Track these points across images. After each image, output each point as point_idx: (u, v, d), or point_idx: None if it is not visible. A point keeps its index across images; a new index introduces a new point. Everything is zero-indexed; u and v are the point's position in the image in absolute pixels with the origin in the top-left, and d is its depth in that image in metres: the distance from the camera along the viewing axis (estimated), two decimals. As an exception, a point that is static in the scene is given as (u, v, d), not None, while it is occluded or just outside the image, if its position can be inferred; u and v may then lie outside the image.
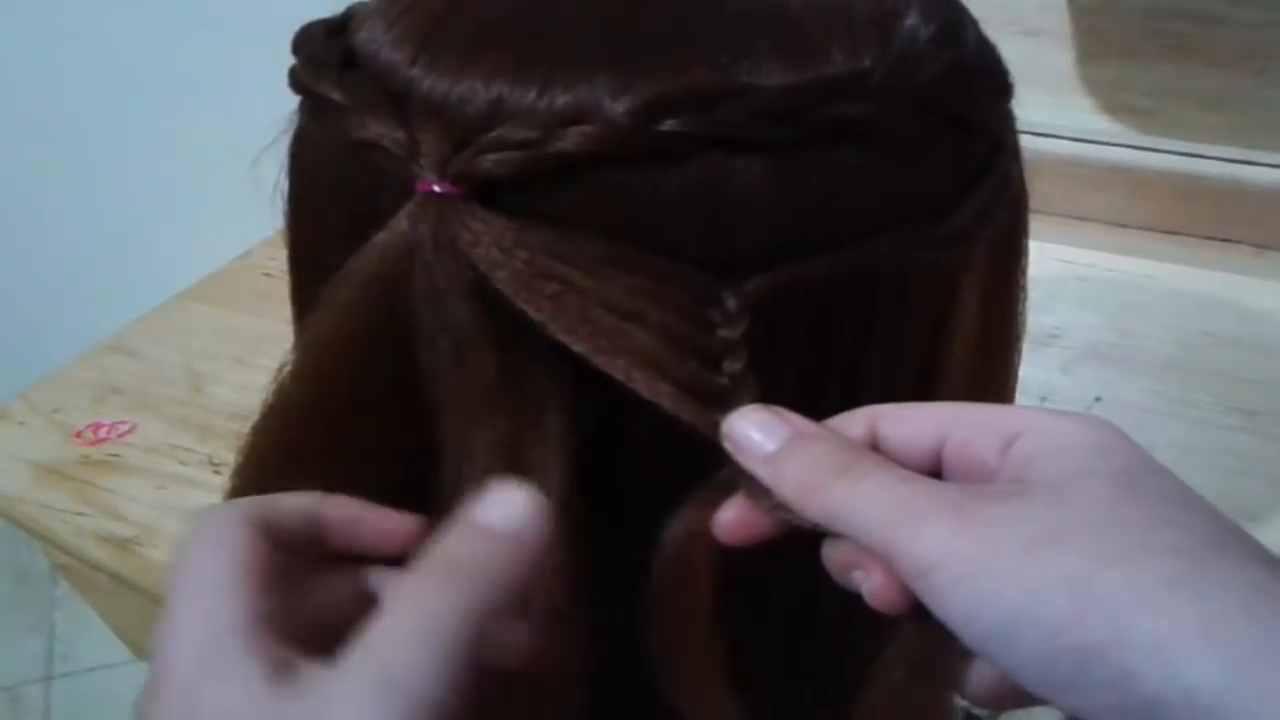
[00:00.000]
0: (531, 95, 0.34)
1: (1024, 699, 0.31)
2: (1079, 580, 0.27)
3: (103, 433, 0.91)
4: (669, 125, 0.33)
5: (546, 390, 0.35)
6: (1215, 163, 1.00)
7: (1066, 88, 1.04)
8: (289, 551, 0.32)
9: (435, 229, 0.34)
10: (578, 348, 0.33)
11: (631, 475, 0.37)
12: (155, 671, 0.30)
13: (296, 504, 0.34)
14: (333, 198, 0.38)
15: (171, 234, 1.51)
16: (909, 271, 0.37)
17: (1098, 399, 0.86)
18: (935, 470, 0.33)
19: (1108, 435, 0.31)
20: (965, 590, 0.28)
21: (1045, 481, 0.30)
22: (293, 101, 0.40)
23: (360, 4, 0.41)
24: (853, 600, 0.32)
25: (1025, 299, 0.46)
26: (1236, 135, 0.99)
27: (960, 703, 0.36)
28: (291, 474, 0.39)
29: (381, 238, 0.34)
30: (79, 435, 0.91)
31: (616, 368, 0.33)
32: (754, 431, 0.34)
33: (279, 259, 0.44)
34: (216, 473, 0.86)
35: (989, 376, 0.46)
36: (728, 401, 0.34)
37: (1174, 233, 1.05)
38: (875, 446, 0.34)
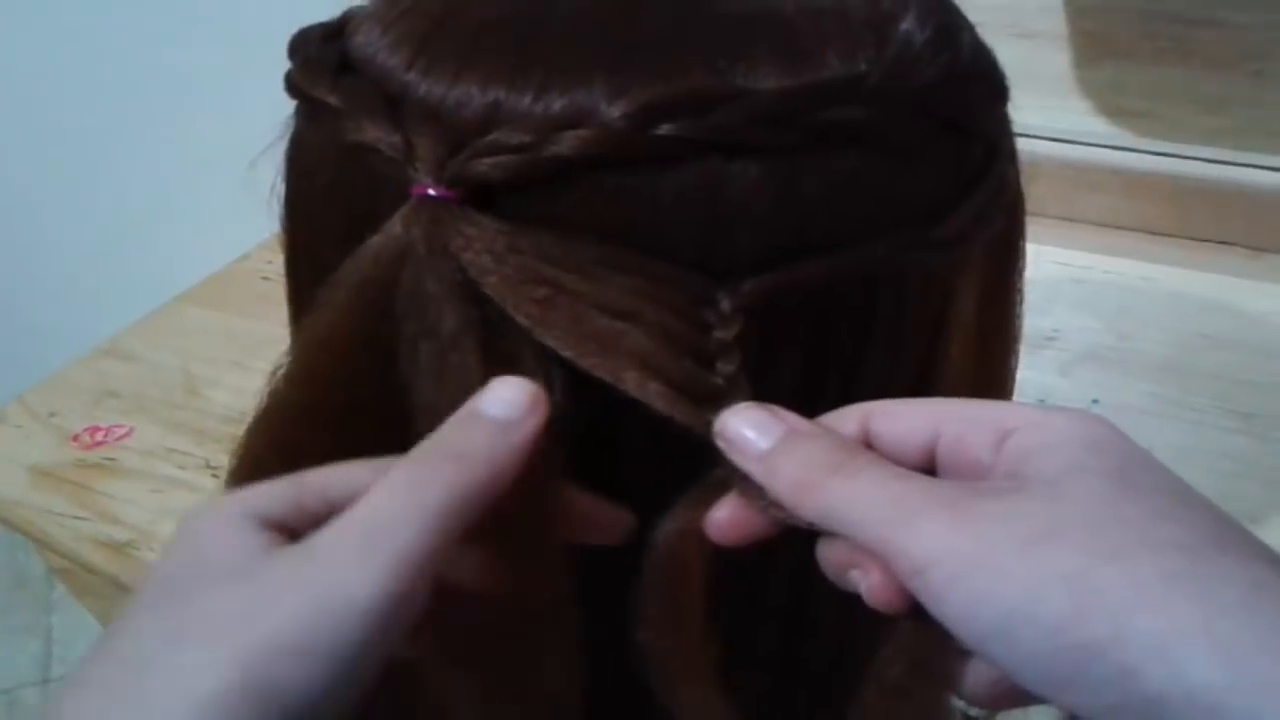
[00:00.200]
0: (527, 99, 0.34)
1: (1022, 698, 0.31)
2: (1077, 577, 0.27)
3: (99, 436, 0.91)
4: (665, 129, 0.33)
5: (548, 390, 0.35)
6: (1212, 165, 1.00)
7: (1063, 90, 1.04)
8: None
9: (429, 232, 0.34)
10: (567, 352, 0.34)
11: (624, 476, 0.37)
12: (177, 533, 0.32)
13: (283, 489, 0.34)
14: (329, 201, 0.38)
15: (168, 237, 1.51)
16: (906, 274, 0.37)
17: (1095, 401, 0.86)
18: (929, 467, 0.33)
19: (1103, 431, 0.31)
20: (962, 588, 0.28)
21: (1040, 477, 0.30)
22: (290, 105, 0.40)
23: (356, 8, 0.41)
24: (848, 599, 0.32)
25: (1022, 301, 0.46)
26: (1233, 138, 0.99)
27: (956, 703, 0.36)
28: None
29: (376, 241, 0.34)
30: (76, 439, 0.91)
31: (606, 369, 0.33)
32: (747, 429, 0.34)
33: (276, 262, 0.44)
34: (214, 476, 0.85)
35: (986, 379, 0.46)
36: (721, 402, 0.34)
37: (1171, 235, 1.05)
38: (868, 444, 0.34)
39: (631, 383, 0.34)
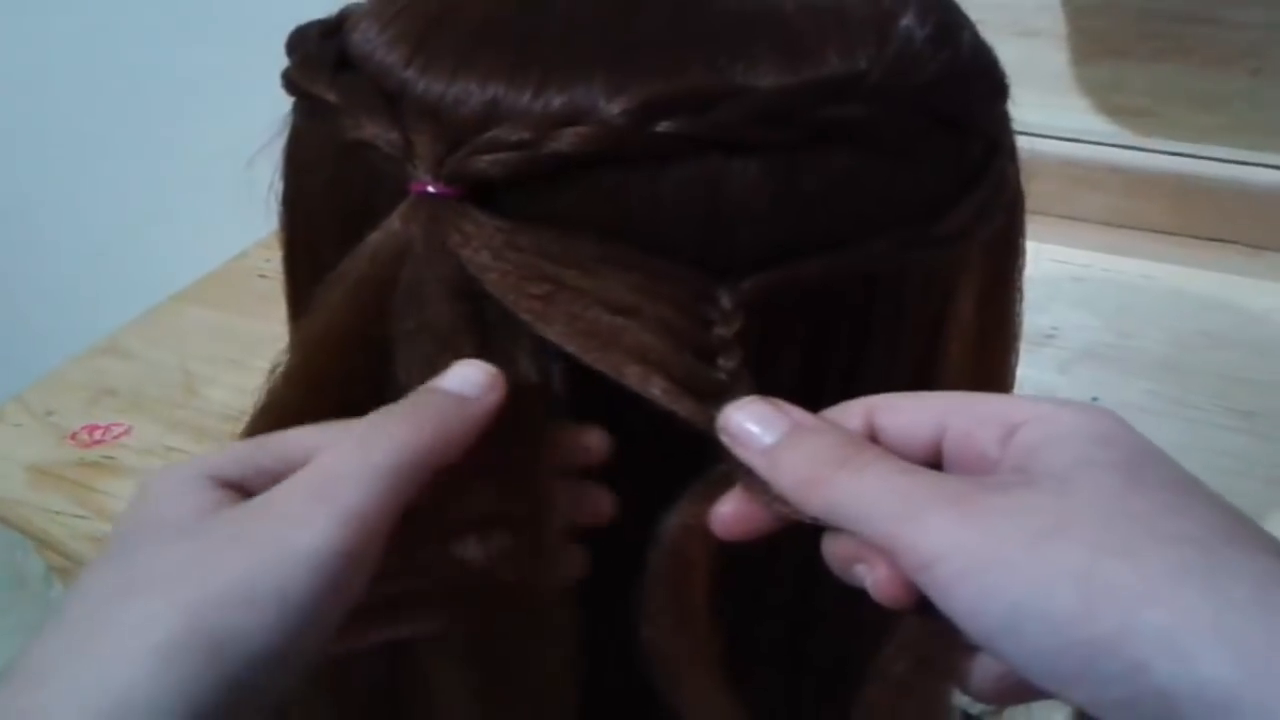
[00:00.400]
0: (527, 96, 0.34)
1: (1028, 693, 0.31)
2: (1086, 572, 0.26)
3: (98, 435, 0.91)
4: (664, 126, 0.33)
5: (535, 391, 0.35)
6: (1212, 163, 1.00)
7: (1063, 88, 1.04)
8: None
9: (428, 230, 0.34)
10: (568, 347, 0.33)
11: (627, 471, 0.37)
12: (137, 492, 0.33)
13: (241, 451, 0.35)
14: (327, 198, 0.38)
15: (166, 235, 1.51)
16: (905, 272, 0.37)
17: (1094, 399, 0.86)
18: (934, 461, 0.33)
19: (1110, 424, 0.31)
20: (970, 583, 0.28)
21: (1048, 472, 0.29)
22: (288, 103, 0.40)
23: (355, 5, 0.41)
24: (852, 594, 0.32)
25: (1022, 299, 0.46)
26: (1233, 136, 0.99)
27: (958, 700, 0.35)
28: None
29: (374, 238, 0.34)
30: (74, 437, 0.91)
31: (608, 365, 0.33)
32: (751, 424, 0.34)
33: (274, 260, 0.44)
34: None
35: (986, 377, 0.46)
36: (724, 397, 0.34)
37: (1171, 233, 1.05)
38: (874, 438, 0.34)
39: (634, 378, 0.34)
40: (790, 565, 0.39)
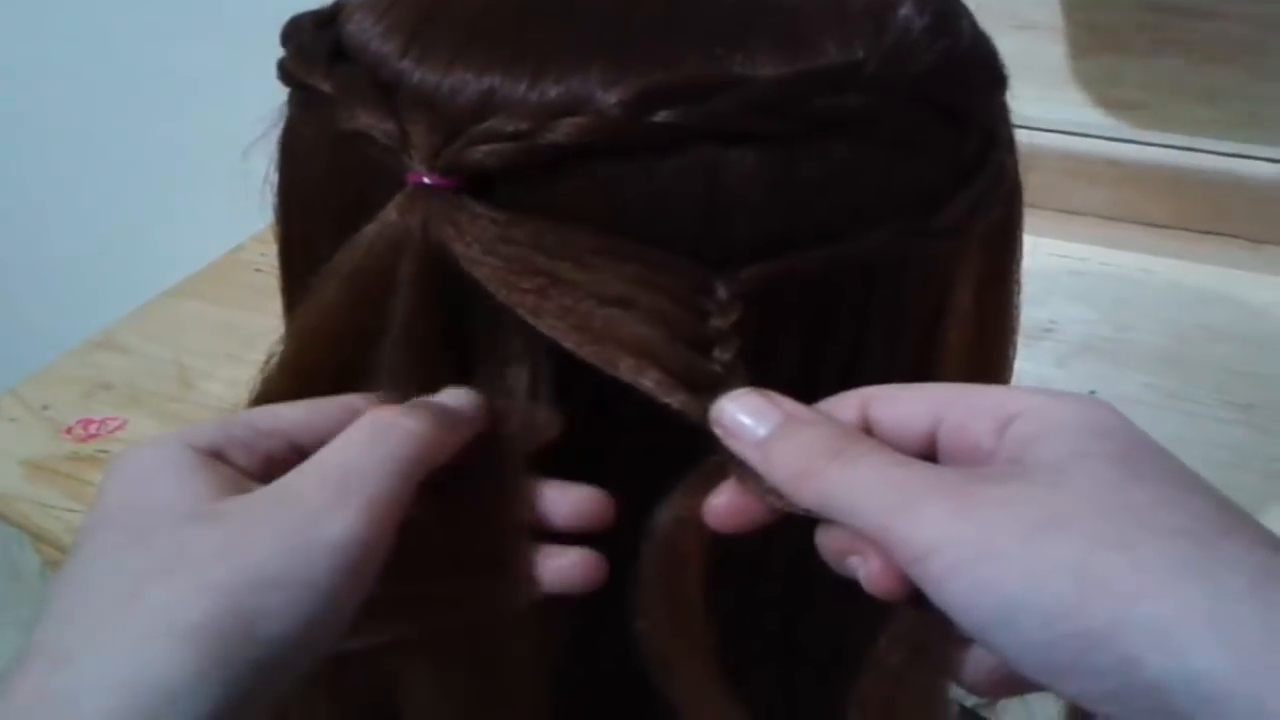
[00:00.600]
0: (523, 86, 0.33)
1: (1022, 686, 0.31)
2: (1080, 564, 0.26)
3: (93, 429, 0.91)
4: (662, 117, 0.33)
5: (529, 382, 0.35)
6: (1210, 156, 1.00)
7: (1060, 81, 1.03)
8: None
9: (424, 221, 0.33)
10: (561, 340, 0.33)
11: (621, 463, 0.37)
12: (97, 494, 0.33)
13: (286, 418, 0.35)
14: (323, 190, 0.38)
15: (162, 230, 1.50)
16: (903, 263, 0.37)
17: (1092, 392, 0.86)
18: (929, 453, 0.33)
19: (1106, 416, 0.31)
20: (964, 576, 0.28)
21: (1043, 463, 0.29)
22: (283, 94, 0.40)
23: (349, -6, 0.40)
24: (847, 586, 0.32)
25: (1020, 292, 0.46)
26: (1231, 129, 0.99)
27: (954, 692, 0.35)
28: None
29: (370, 230, 0.34)
30: (69, 431, 0.91)
31: (601, 357, 0.33)
32: (744, 416, 0.34)
33: (269, 254, 0.43)
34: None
35: (983, 370, 0.46)
36: (718, 388, 0.34)
37: (1168, 226, 1.05)
38: (868, 430, 0.34)
39: (628, 370, 0.33)
40: (784, 557, 0.39)
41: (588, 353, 0.33)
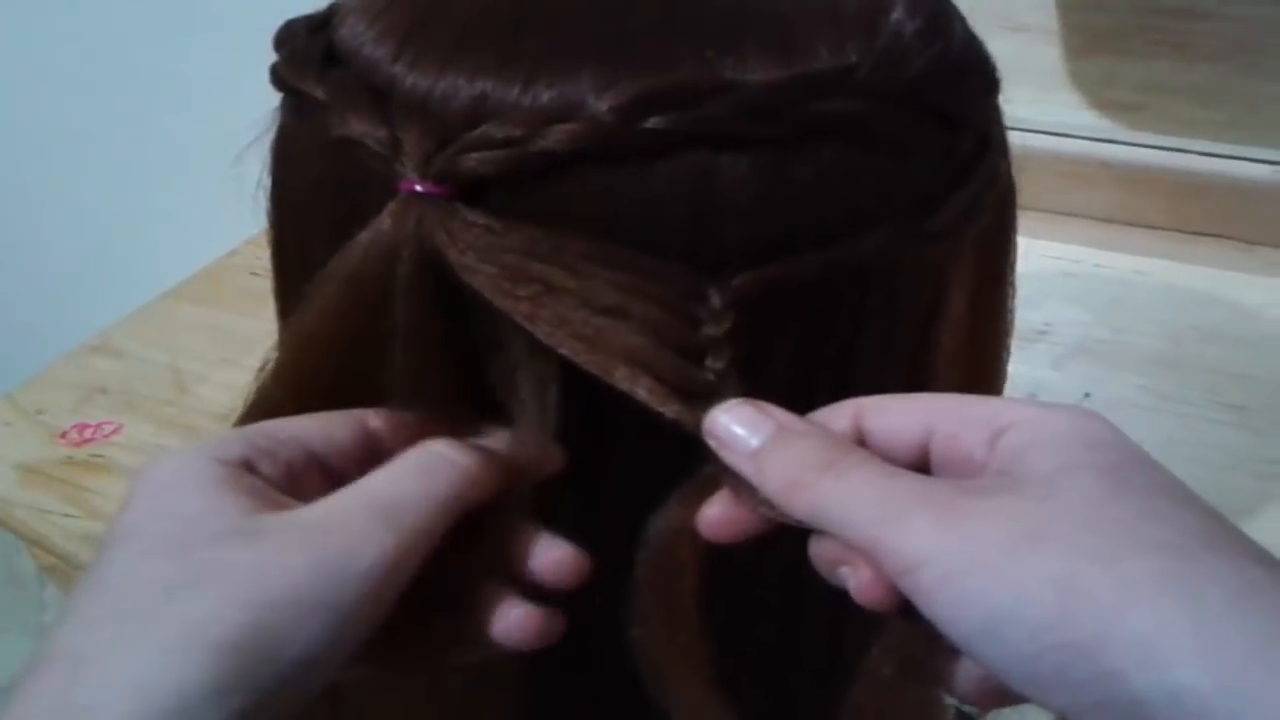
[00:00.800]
0: (515, 91, 0.33)
1: (1012, 697, 0.31)
2: (1065, 578, 0.26)
3: (88, 433, 0.90)
4: (654, 122, 0.33)
5: (527, 389, 0.35)
6: (1204, 158, 1.00)
7: (1055, 83, 1.03)
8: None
9: (417, 228, 0.33)
10: (558, 347, 0.33)
11: (616, 471, 0.37)
12: (128, 491, 0.33)
13: (304, 430, 0.35)
14: (316, 196, 0.38)
15: (157, 233, 1.50)
16: (897, 267, 0.37)
17: (1087, 395, 0.86)
18: (922, 464, 0.33)
19: (1099, 428, 0.31)
20: (951, 588, 0.28)
21: (1033, 476, 0.29)
22: (278, 98, 0.40)
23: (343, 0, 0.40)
24: (841, 596, 0.32)
25: (1014, 295, 0.46)
26: (1225, 130, 0.99)
27: (950, 700, 0.35)
28: None
29: (364, 237, 0.34)
30: (64, 436, 0.90)
31: (597, 365, 0.33)
32: (737, 427, 0.34)
33: (265, 258, 0.43)
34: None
35: (978, 372, 0.46)
36: (711, 398, 0.34)
37: (1163, 228, 1.05)
38: (861, 440, 0.34)
39: (622, 378, 0.33)
40: (779, 567, 0.39)
41: (583, 360, 0.33)
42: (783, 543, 0.33)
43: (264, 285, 0.44)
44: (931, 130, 0.36)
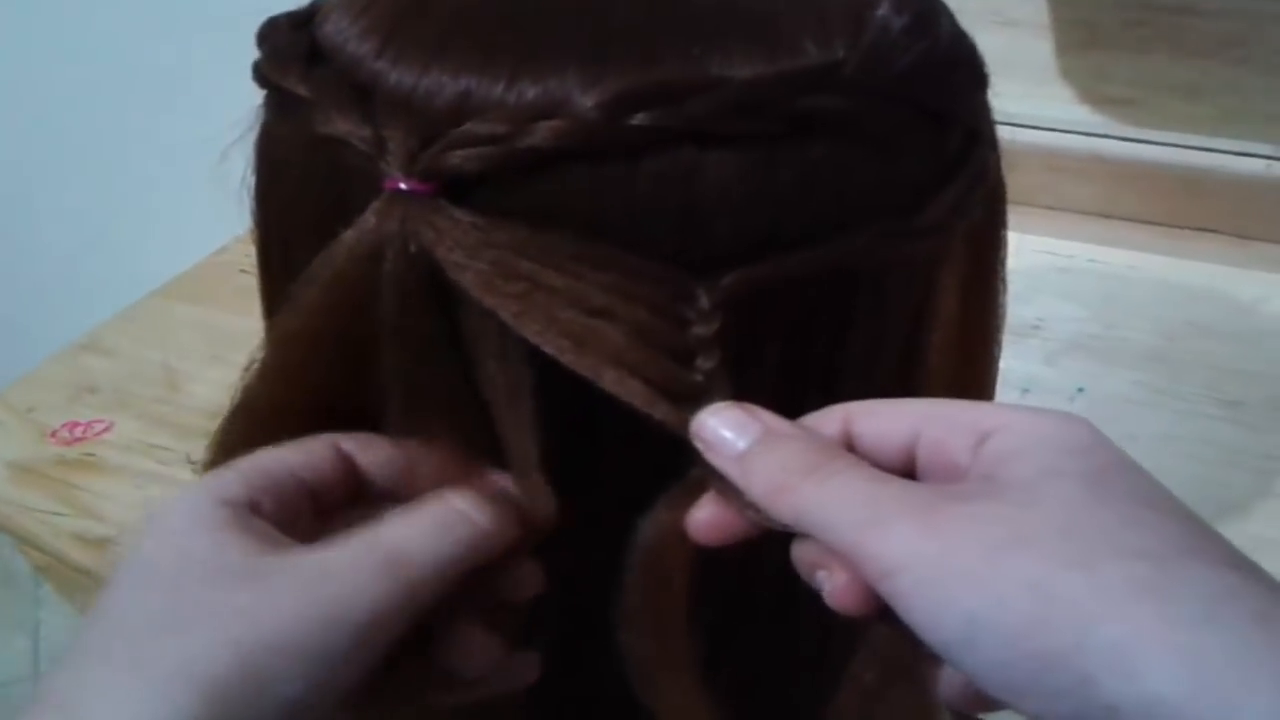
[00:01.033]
0: (500, 88, 0.33)
1: (992, 703, 0.30)
2: (1040, 584, 0.26)
3: (79, 432, 0.90)
4: (640, 119, 0.32)
5: (516, 390, 0.34)
6: (1197, 152, 1.00)
7: (1046, 78, 1.03)
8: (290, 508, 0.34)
9: (402, 227, 0.33)
10: (545, 347, 0.33)
11: (604, 474, 0.37)
12: (145, 522, 0.33)
13: (294, 461, 0.35)
14: (300, 194, 0.38)
15: (147, 231, 1.50)
16: (886, 264, 0.37)
17: (1080, 390, 0.86)
18: (909, 468, 0.33)
19: (1083, 433, 0.30)
20: (929, 594, 0.28)
21: (1014, 481, 0.29)
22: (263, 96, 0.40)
23: (326, -6, 0.40)
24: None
25: (1005, 291, 0.46)
26: (1217, 125, 0.99)
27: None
28: None
29: (349, 236, 0.34)
30: (55, 435, 0.90)
31: (585, 366, 0.33)
32: (724, 429, 0.33)
33: (254, 255, 0.43)
34: (194, 471, 0.84)
35: (969, 369, 0.46)
36: (700, 399, 0.34)
37: (1156, 223, 1.05)
38: (850, 445, 0.34)
39: (610, 381, 0.33)
40: (768, 570, 0.39)
41: (571, 361, 0.33)
42: (773, 546, 0.33)
43: (254, 283, 0.44)
44: (920, 126, 0.36)
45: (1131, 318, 0.94)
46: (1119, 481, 0.29)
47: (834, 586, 0.31)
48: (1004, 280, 0.45)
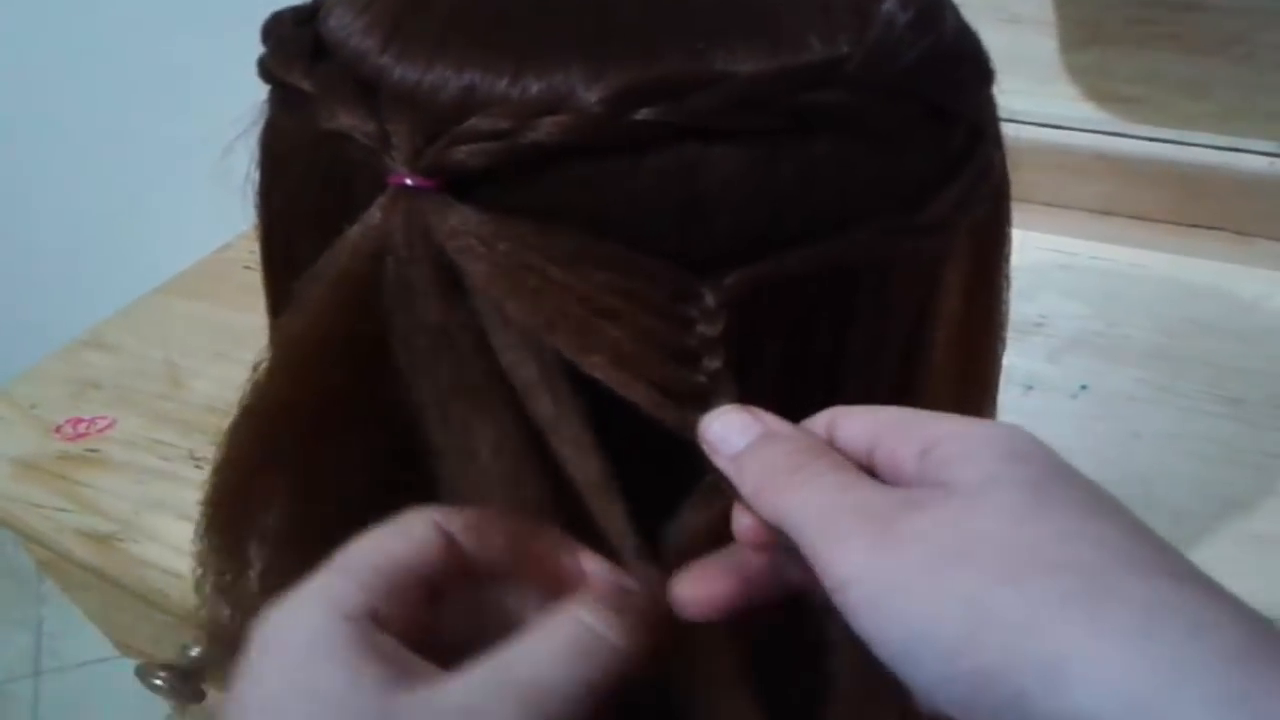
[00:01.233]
0: (504, 83, 0.33)
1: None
2: (975, 600, 0.26)
3: (82, 428, 0.90)
4: (643, 114, 0.32)
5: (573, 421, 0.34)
6: (1200, 150, 0.99)
7: (1049, 75, 1.03)
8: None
9: (407, 223, 0.33)
10: (558, 344, 0.33)
11: (627, 477, 0.37)
12: (257, 640, 0.31)
13: (402, 552, 0.34)
14: (304, 190, 0.38)
15: (150, 227, 1.50)
16: (890, 260, 0.37)
17: (1083, 387, 0.86)
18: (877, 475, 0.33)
19: (1023, 442, 0.30)
20: (877, 608, 0.28)
21: (961, 487, 0.29)
22: (266, 91, 0.40)
23: (330, -10, 0.40)
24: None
25: (1009, 288, 0.46)
26: (1221, 122, 0.99)
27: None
28: (269, 474, 0.39)
29: (354, 232, 0.34)
30: (58, 431, 0.90)
31: (595, 365, 0.33)
32: (725, 431, 0.34)
33: (258, 251, 0.43)
34: (198, 467, 0.85)
35: (973, 366, 0.46)
36: (707, 401, 0.34)
37: (1159, 220, 1.05)
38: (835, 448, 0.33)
39: (619, 381, 0.33)
40: None
41: (581, 360, 0.33)
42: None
43: (258, 279, 0.44)
44: (924, 122, 0.36)
45: (1134, 315, 0.94)
46: (1059, 490, 0.29)
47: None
48: (1008, 277, 0.45)
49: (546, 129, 0.32)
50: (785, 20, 0.35)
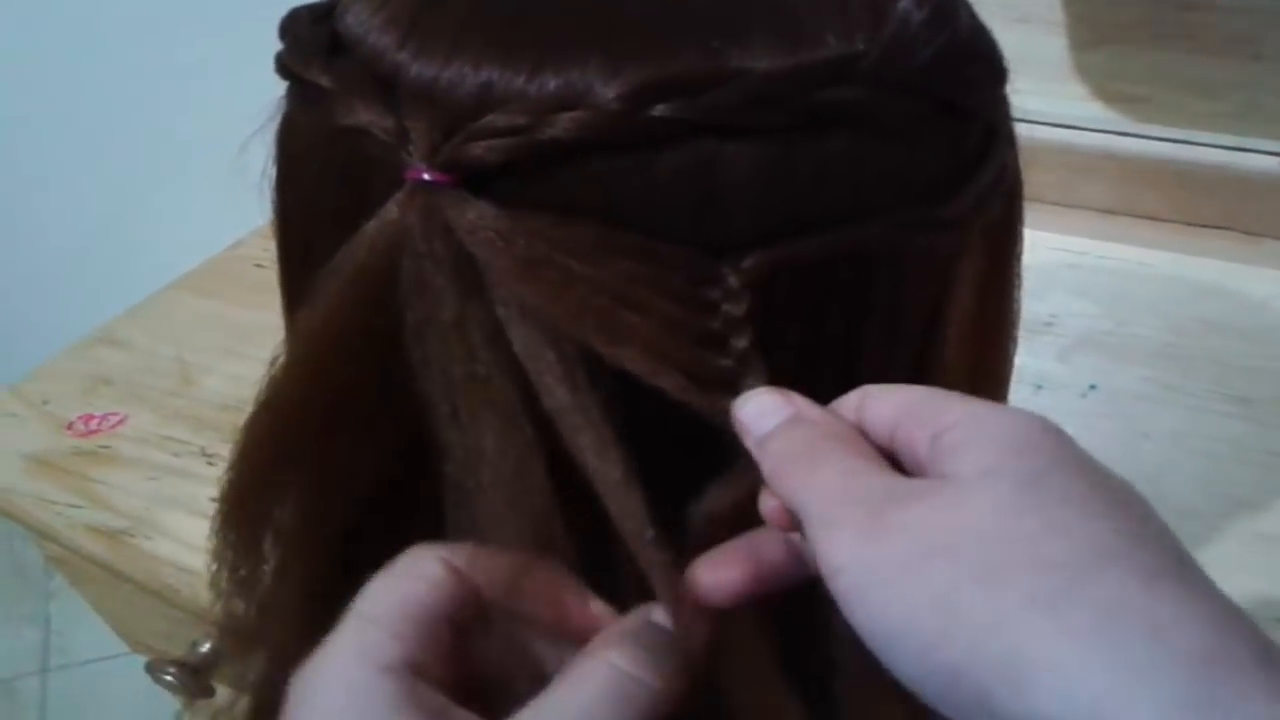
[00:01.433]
0: (521, 79, 0.33)
1: None
2: (946, 597, 0.26)
3: (94, 424, 0.90)
4: (660, 110, 0.32)
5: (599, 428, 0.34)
6: (1209, 149, 0.99)
7: (1059, 75, 1.03)
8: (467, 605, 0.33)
9: (425, 218, 0.33)
10: (585, 336, 0.33)
11: (651, 461, 0.37)
12: (296, 697, 0.31)
13: (425, 594, 0.33)
14: (321, 185, 0.38)
15: (161, 224, 1.50)
16: (904, 255, 0.37)
17: (1092, 386, 0.86)
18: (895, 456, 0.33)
19: (1033, 432, 0.30)
20: (863, 600, 0.28)
21: (955, 479, 0.29)
22: (282, 87, 0.40)
23: (347, -13, 0.40)
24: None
25: (1020, 286, 0.46)
26: (1230, 122, 0.99)
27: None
28: (285, 470, 0.39)
29: (371, 227, 0.34)
30: (70, 427, 0.90)
31: (622, 356, 0.33)
32: (755, 413, 0.34)
33: (271, 249, 0.43)
34: (210, 464, 0.85)
35: (985, 364, 0.46)
36: (735, 384, 0.34)
37: (1168, 220, 1.05)
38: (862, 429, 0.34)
39: (647, 369, 0.33)
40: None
41: (607, 353, 0.33)
42: None
43: (269, 277, 0.44)
44: (939, 120, 0.36)
45: (1142, 314, 0.94)
46: (1055, 485, 0.28)
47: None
48: (1019, 276, 0.46)
49: (563, 125, 0.32)
50: (801, 17, 0.35)
